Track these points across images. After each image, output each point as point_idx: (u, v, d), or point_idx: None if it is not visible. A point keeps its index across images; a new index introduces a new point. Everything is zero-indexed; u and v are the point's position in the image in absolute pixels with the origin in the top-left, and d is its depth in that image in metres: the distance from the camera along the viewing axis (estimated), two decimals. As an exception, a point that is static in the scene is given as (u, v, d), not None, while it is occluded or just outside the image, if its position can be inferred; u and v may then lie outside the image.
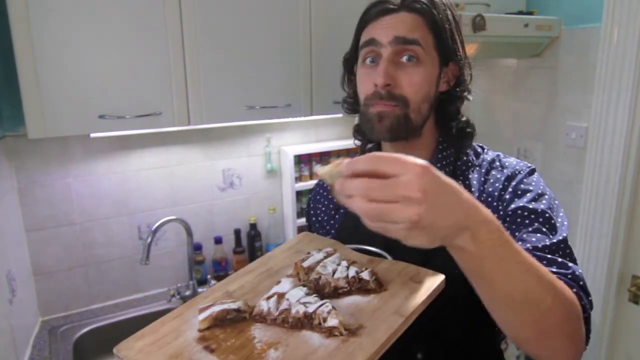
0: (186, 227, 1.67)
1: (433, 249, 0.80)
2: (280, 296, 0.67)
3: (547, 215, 0.75)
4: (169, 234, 1.77)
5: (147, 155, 1.69)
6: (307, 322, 0.63)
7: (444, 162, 0.85)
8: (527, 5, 1.92)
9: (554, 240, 0.73)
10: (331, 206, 0.98)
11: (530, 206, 0.76)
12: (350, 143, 2.02)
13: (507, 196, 0.79)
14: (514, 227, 0.76)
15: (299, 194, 1.96)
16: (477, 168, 0.85)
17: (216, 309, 0.66)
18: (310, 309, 0.63)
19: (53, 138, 1.44)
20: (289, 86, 1.56)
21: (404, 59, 0.77)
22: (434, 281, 0.70)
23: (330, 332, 0.61)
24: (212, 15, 1.38)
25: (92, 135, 1.49)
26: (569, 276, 0.71)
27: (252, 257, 1.92)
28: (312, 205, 1.03)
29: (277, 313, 0.65)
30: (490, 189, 0.81)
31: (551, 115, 1.88)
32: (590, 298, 0.75)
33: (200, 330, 0.65)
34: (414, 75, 0.77)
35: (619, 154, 1.62)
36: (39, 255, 1.55)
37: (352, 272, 0.72)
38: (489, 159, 0.86)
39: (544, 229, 0.75)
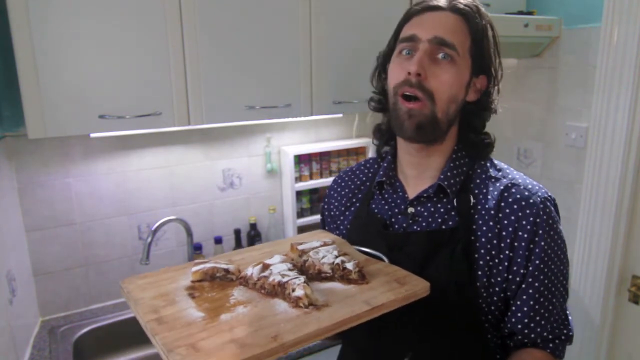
0: (186, 227, 1.67)
1: (428, 260, 0.81)
2: (266, 266, 0.74)
3: (563, 306, 0.84)
4: (169, 234, 1.77)
5: (147, 155, 1.69)
6: (280, 290, 0.69)
7: (455, 172, 0.84)
8: (527, 5, 1.92)
9: (559, 345, 0.83)
10: (343, 201, 0.98)
11: (550, 296, 0.81)
12: (350, 143, 2.02)
13: (534, 256, 0.79)
14: (533, 295, 0.80)
15: (299, 194, 1.96)
16: (493, 181, 0.84)
17: (208, 265, 0.75)
18: (284, 280, 0.69)
19: (53, 138, 1.44)
20: (289, 86, 1.56)
21: (440, 55, 0.78)
22: (417, 285, 0.73)
23: (296, 303, 0.66)
24: (212, 15, 1.38)
25: (92, 135, 1.49)
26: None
27: (252, 257, 1.92)
28: (326, 200, 1.04)
29: (256, 278, 0.72)
30: (512, 217, 0.80)
31: (551, 115, 1.88)
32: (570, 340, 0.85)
33: (192, 281, 0.74)
34: (445, 72, 0.77)
35: (619, 154, 1.62)
36: (39, 255, 1.55)
37: (338, 260, 0.75)
38: (509, 176, 0.85)
39: (554, 322, 0.82)
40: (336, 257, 0.76)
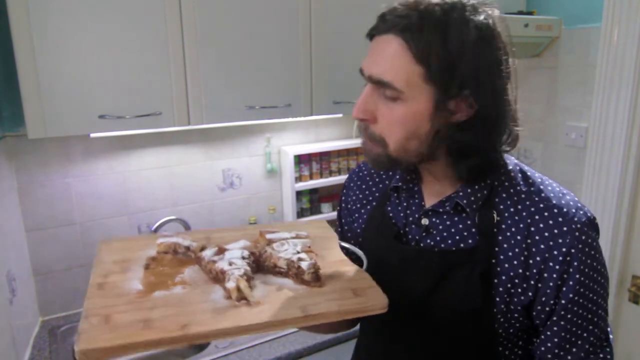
0: (186, 227, 1.67)
1: (442, 280, 0.76)
2: (221, 250, 0.73)
3: (605, 328, 0.74)
4: (169, 234, 1.77)
5: (147, 155, 1.69)
6: (222, 278, 0.67)
7: (476, 187, 0.74)
8: (527, 5, 1.92)
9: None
10: (361, 196, 0.93)
11: (585, 324, 0.72)
12: (349, 143, 2.02)
13: (566, 289, 0.69)
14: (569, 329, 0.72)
15: (299, 194, 1.96)
16: (523, 197, 0.74)
17: (172, 240, 0.77)
18: (226, 268, 0.68)
19: (53, 138, 1.44)
20: (289, 86, 1.56)
21: (386, 93, 0.68)
22: (371, 300, 0.65)
23: (228, 294, 0.64)
24: (212, 15, 1.38)
25: (92, 135, 1.49)
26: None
27: (252, 257, 1.92)
28: (344, 191, 0.99)
29: (207, 261, 0.71)
30: (542, 246, 0.70)
31: (551, 115, 1.88)
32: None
33: (157, 252, 0.76)
34: (393, 112, 0.68)
35: (619, 154, 1.62)
36: (39, 255, 1.54)
37: (295, 257, 0.71)
38: (542, 194, 0.74)
39: (590, 347, 0.73)
40: (297, 252, 0.71)
